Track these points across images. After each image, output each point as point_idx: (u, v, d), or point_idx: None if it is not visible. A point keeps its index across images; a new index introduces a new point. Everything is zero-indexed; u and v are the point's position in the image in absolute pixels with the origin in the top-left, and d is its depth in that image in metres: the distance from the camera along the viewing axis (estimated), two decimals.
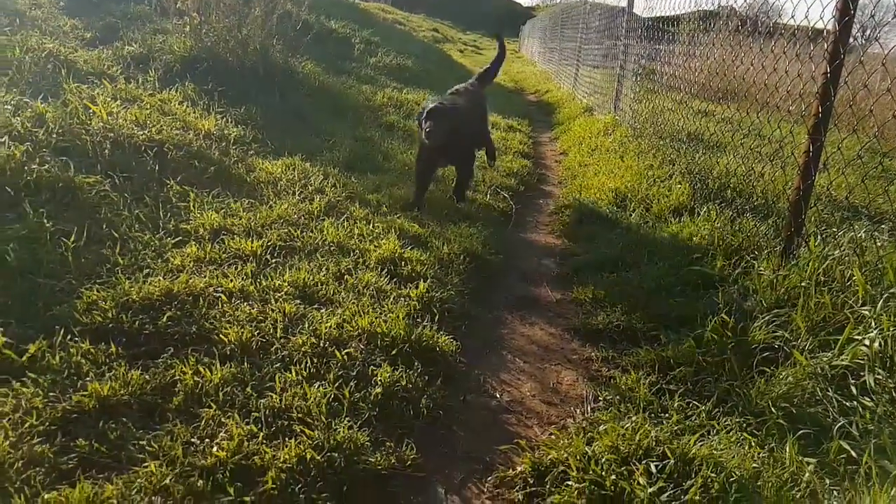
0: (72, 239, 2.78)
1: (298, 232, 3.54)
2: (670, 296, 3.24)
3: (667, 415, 2.29)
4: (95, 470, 1.79)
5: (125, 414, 1.98)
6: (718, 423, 2.22)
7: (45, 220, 2.84)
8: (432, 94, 5.83)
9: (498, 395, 2.61)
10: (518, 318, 3.32)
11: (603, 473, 1.92)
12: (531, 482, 2.03)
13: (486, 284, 3.59)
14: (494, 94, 11.70)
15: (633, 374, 2.62)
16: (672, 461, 1.95)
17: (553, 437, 2.23)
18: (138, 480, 1.74)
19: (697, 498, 1.82)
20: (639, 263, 3.63)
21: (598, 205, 4.80)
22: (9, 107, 3.65)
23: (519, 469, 2.09)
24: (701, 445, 2.05)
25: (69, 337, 2.27)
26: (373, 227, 3.78)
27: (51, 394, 1.99)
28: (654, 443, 2.04)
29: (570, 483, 1.93)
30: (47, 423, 1.89)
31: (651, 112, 6.75)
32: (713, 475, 1.90)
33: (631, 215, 4.52)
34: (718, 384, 2.49)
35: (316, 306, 2.83)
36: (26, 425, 1.86)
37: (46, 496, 1.65)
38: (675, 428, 2.19)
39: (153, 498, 1.69)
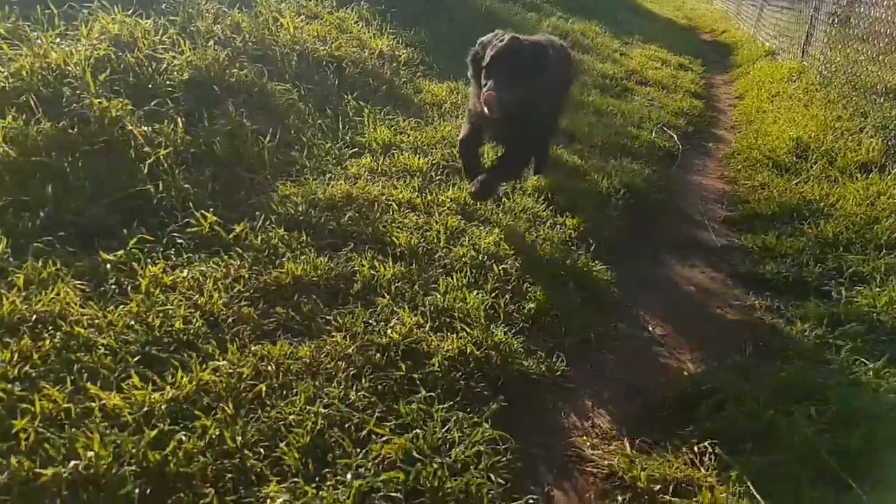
0: (267, 139, 3.09)
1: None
2: (848, 252, 3.03)
3: (831, 367, 2.19)
4: (291, 334, 2.06)
5: (314, 292, 2.25)
6: (888, 383, 2.09)
7: (245, 120, 3.16)
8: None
9: (650, 328, 2.62)
10: (677, 258, 3.25)
11: (759, 409, 1.90)
12: (681, 407, 2.05)
13: (645, 221, 3.53)
14: (665, 31, 11.01)
15: (798, 325, 2.51)
16: (834, 408, 1.89)
17: (708, 371, 2.22)
18: (326, 347, 1.99)
19: (859, 446, 1.76)
20: (816, 216, 3.38)
21: (775, 153, 4.47)
22: (209, 14, 4.02)
23: (670, 394, 2.12)
24: (867, 399, 1.96)
25: (267, 223, 2.56)
26: None
27: (254, 267, 2.30)
28: (815, 388, 1.99)
29: (724, 412, 1.94)
30: (251, 291, 2.19)
31: (846, 60, 6.03)
32: (879, 427, 1.82)
33: (812, 167, 4.17)
34: (892, 345, 2.33)
35: (475, 223, 2.95)
36: (235, 290, 2.17)
37: (253, 348, 1.94)
38: (840, 379, 2.10)
39: (338, 363, 1.93)
